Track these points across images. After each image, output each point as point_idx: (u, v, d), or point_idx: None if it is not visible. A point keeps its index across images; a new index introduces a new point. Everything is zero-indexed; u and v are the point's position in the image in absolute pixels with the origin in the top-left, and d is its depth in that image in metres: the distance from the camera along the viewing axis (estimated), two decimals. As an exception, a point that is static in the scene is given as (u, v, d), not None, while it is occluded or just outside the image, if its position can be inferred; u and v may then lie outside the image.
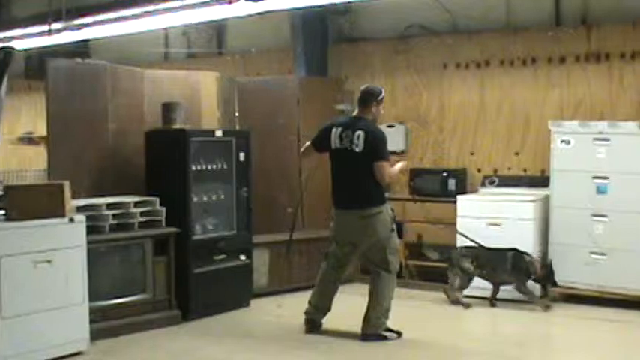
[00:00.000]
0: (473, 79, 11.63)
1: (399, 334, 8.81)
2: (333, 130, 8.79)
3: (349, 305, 9.20)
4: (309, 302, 9.20)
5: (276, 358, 8.32)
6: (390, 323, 8.81)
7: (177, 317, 9.41)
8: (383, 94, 8.96)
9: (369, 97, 8.87)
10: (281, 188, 11.77)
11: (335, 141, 8.75)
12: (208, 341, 8.82)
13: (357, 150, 8.62)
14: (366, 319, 8.82)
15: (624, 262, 9.84)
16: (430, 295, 10.82)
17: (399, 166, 9.07)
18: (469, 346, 8.85)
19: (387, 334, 8.77)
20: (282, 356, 8.36)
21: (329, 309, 9.18)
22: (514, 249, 10.03)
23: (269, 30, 13.03)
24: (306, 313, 9.17)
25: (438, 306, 10.40)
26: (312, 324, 9.13)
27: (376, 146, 8.62)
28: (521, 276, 9.99)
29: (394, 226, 8.88)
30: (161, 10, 10.93)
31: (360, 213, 8.69)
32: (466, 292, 10.35)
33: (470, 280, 10.24)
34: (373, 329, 8.75)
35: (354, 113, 8.93)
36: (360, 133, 8.61)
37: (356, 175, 8.71)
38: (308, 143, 9.14)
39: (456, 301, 10.23)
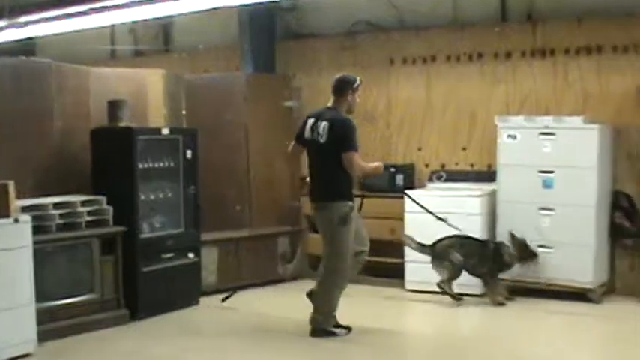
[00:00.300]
0: (420, 75, 11.67)
1: (348, 329, 8.79)
2: (308, 121, 8.74)
3: (298, 302, 9.19)
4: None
5: (226, 356, 8.29)
6: (342, 319, 8.79)
7: (126, 317, 9.35)
8: (358, 82, 8.82)
9: (344, 86, 8.74)
10: (229, 186, 11.73)
11: (307, 132, 8.70)
12: (157, 340, 8.79)
13: (321, 141, 8.55)
14: (312, 315, 8.81)
15: (571, 255, 9.93)
16: (381, 291, 10.90)
17: (375, 164, 9.04)
18: (415, 340, 8.91)
19: (337, 330, 8.74)
20: (232, 354, 8.34)
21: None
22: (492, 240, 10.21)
23: (216, 27, 12.99)
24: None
25: (387, 301, 10.46)
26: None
27: (342, 137, 8.47)
28: (501, 265, 10.05)
29: (345, 225, 8.62)
30: (107, 7, 10.82)
31: (315, 204, 8.72)
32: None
33: (460, 270, 10.18)
34: (317, 325, 8.73)
35: (329, 103, 8.78)
36: (325, 123, 8.53)
37: (319, 168, 8.67)
38: (293, 142, 9.00)
39: (455, 297, 10.19)
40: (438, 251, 10.23)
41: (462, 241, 10.18)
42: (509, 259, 10.02)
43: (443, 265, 10.19)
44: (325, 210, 8.62)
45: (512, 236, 10.09)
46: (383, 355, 8.27)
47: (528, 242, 10.05)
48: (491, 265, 10.03)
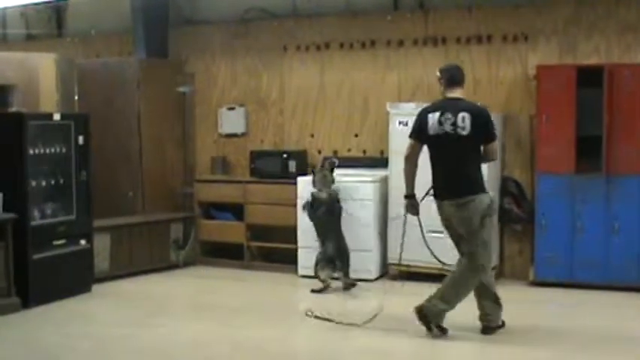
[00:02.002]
0: (313, 62, 11.74)
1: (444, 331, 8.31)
2: (430, 116, 8.09)
3: (191, 288, 9.19)
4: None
5: (118, 343, 8.22)
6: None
7: (17, 305, 9.20)
8: None
9: (462, 75, 8.34)
10: (121, 172, 11.67)
11: (433, 127, 8.07)
12: (49, 328, 8.68)
13: (463, 133, 7.97)
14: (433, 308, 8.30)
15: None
16: (274, 277, 10.98)
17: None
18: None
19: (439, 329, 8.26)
20: (124, 341, 8.27)
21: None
22: None
23: (109, 12, 12.85)
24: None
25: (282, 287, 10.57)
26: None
27: (487, 126, 8.05)
28: None
29: (492, 215, 8.35)
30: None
31: (454, 201, 8.14)
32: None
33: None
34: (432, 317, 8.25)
35: (447, 94, 8.18)
36: (464, 114, 7.98)
37: (458, 161, 8.12)
38: (410, 142, 8.27)
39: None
40: None
41: None
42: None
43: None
44: (470, 205, 8.07)
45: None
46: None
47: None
48: None
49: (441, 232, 10.00)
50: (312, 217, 10.36)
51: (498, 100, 10.63)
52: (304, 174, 11.17)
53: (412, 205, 8.45)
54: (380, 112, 11.03)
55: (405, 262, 10.35)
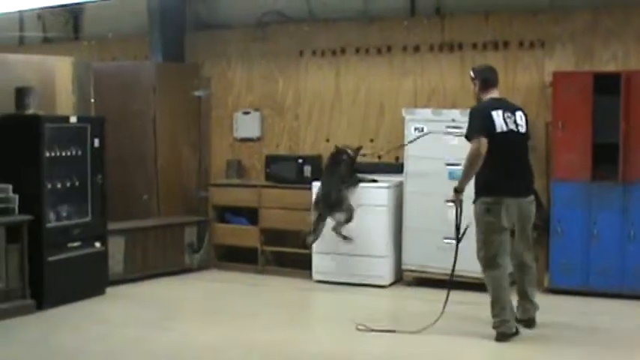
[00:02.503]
0: (329, 67, 11.73)
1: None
2: (494, 113, 8.14)
3: (204, 292, 9.18)
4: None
5: (132, 346, 8.23)
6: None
7: (32, 307, 9.22)
8: None
9: (497, 76, 8.52)
10: (137, 175, 11.69)
11: (500, 125, 8.12)
12: (63, 330, 8.70)
13: (522, 131, 8.24)
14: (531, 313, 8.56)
15: (475, 246, 10.05)
16: (288, 282, 10.98)
17: None
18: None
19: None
20: (138, 344, 8.28)
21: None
22: None
23: (126, 15, 12.85)
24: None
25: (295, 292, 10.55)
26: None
27: (528, 126, 8.42)
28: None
29: None
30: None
31: (528, 197, 8.32)
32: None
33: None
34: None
35: (493, 95, 8.35)
36: (520, 113, 8.29)
37: (522, 158, 8.36)
38: (480, 139, 8.04)
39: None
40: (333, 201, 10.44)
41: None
42: None
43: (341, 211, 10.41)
44: (534, 201, 8.42)
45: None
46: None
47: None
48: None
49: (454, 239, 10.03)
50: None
51: (514, 106, 10.61)
52: (319, 179, 11.16)
53: (461, 200, 8.40)
54: (395, 117, 11.01)
55: (419, 268, 10.41)
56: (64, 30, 13.86)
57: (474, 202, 8.30)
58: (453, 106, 10.69)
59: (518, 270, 8.53)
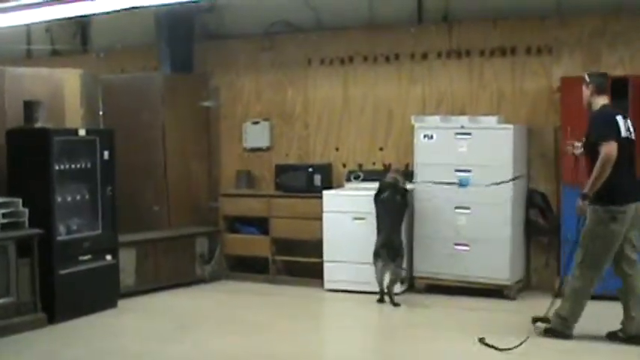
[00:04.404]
0: (337, 76, 11.74)
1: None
2: (618, 118, 8.10)
3: (217, 302, 9.17)
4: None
5: (146, 358, 8.23)
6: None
7: (43, 320, 9.22)
8: None
9: (608, 82, 8.42)
10: (147, 186, 11.71)
11: (624, 131, 8.08)
12: (76, 344, 8.69)
13: (633, 138, 8.22)
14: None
15: (486, 252, 10.07)
16: (300, 291, 10.98)
17: None
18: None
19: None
20: (151, 356, 8.28)
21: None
22: None
23: (134, 26, 12.86)
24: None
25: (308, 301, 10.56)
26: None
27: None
28: None
29: None
30: (23, 5, 10.69)
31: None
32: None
33: None
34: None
35: (605, 101, 8.25)
36: (629, 120, 8.25)
37: (635, 164, 8.29)
38: (612, 144, 7.89)
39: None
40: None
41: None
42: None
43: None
44: None
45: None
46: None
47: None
48: None
49: (466, 245, 10.07)
50: (375, 201, 10.30)
51: (523, 112, 10.61)
52: (329, 187, 11.18)
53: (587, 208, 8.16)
54: (404, 125, 11.03)
55: (431, 275, 10.41)
56: (72, 42, 13.88)
57: (591, 209, 8.05)
58: (462, 113, 10.71)
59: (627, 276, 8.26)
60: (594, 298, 8.30)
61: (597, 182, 7.94)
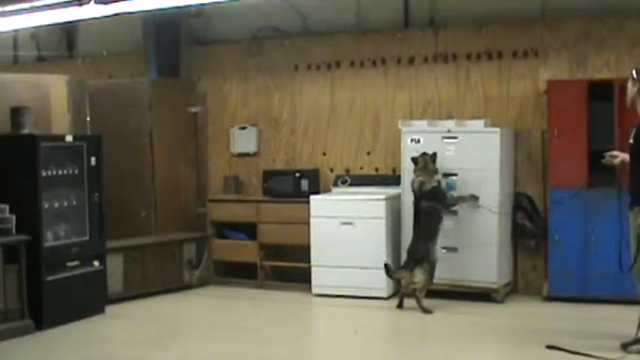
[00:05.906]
0: (324, 80, 11.75)
1: None
2: None
3: (205, 308, 9.17)
4: None
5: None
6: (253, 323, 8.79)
7: (31, 327, 9.19)
8: None
9: None
10: (134, 192, 11.70)
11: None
12: (63, 351, 8.66)
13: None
14: None
15: (475, 256, 10.08)
16: (288, 296, 10.97)
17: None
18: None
19: None
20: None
21: None
22: None
23: (121, 32, 12.85)
24: None
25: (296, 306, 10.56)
26: None
27: None
28: None
29: None
30: (9, 12, 10.68)
31: None
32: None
33: None
34: None
35: None
36: None
37: None
38: None
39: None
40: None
41: None
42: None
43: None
44: None
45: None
46: None
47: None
48: None
49: (455, 249, 10.09)
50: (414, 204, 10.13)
51: (509, 115, 10.65)
52: (317, 192, 11.18)
53: None
54: (391, 129, 11.03)
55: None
56: (58, 48, 13.86)
57: (633, 211, 7.91)
58: (449, 117, 10.72)
59: None
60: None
61: None
